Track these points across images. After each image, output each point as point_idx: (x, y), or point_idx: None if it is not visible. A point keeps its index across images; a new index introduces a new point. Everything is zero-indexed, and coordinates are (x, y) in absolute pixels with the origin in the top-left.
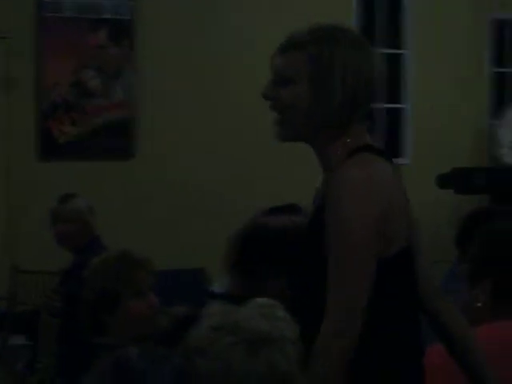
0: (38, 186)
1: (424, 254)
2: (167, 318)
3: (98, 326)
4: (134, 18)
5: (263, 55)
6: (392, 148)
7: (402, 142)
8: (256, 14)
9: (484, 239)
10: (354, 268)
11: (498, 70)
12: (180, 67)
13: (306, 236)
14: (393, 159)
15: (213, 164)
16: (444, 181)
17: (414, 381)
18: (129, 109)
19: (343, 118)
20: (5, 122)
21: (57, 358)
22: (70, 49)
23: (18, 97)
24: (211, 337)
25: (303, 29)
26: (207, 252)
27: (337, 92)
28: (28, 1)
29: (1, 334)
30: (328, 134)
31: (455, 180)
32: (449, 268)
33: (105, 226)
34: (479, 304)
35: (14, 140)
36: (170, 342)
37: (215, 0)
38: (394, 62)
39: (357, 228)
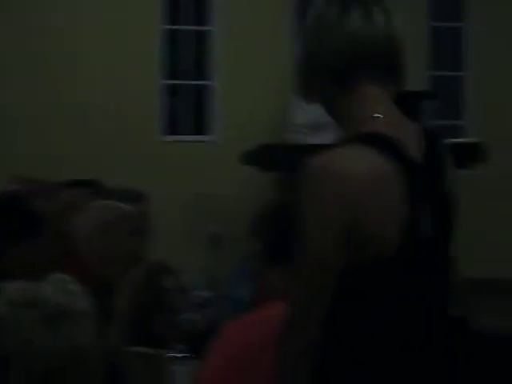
0: None
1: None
2: None
3: None
4: None
5: None
6: (200, 125)
7: (209, 119)
8: None
9: (279, 223)
10: (305, 278)
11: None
12: None
13: None
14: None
15: None
16: (249, 158)
17: None
18: None
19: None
20: None
21: None
22: None
23: None
24: (11, 312)
25: None
26: None
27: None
28: None
29: None
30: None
31: (261, 157)
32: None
33: None
34: (277, 286)
35: None
36: None
37: None
38: (202, 39)
39: (313, 235)
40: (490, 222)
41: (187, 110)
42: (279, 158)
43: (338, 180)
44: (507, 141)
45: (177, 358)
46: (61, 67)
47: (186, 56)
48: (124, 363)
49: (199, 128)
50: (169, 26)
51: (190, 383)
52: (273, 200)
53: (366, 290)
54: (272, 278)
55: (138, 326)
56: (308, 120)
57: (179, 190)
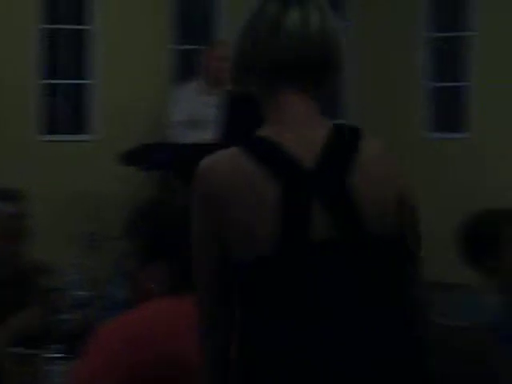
0: None
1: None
2: None
3: None
4: None
5: None
6: (79, 124)
7: (89, 118)
8: None
9: (154, 221)
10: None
11: (182, 48)
12: None
13: None
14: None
15: None
16: (129, 157)
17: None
18: None
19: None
20: None
21: None
22: None
23: None
24: None
25: None
26: None
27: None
28: None
29: None
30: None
31: (140, 156)
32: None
33: None
34: (153, 285)
35: None
36: None
37: None
38: (80, 38)
39: (193, 227)
40: None
41: (66, 109)
42: (155, 157)
43: (204, 183)
44: None
45: (53, 358)
46: None
47: (65, 55)
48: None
49: (79, 127)
50: (47, 26)
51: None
52: (147, 199)
53: (251, 285)
54: (146, 277)
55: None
56: (186, 117)
57: (58, 190)
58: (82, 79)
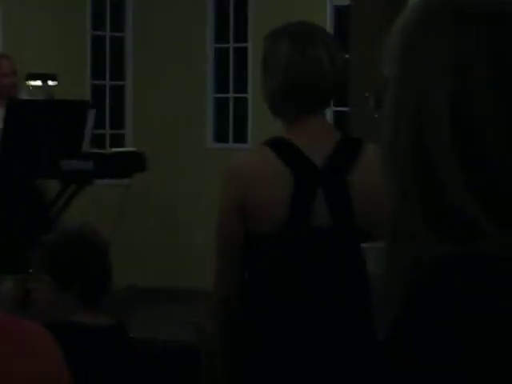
0: None
1: None
2: None
3: None
4: None
5: None
6: None
7: None
8: None
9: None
10: (217, 243)
11: None
12: None
13: None
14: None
15: None
16: None
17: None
18: None
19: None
20: None
21: None
22: None
23: None
24: None
25: None
26: None
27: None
28: None
29: None
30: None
31: None
32: None
33: None
34: None
35: None
36: None
37: None
38: None
39: (219, 210)
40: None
41: None
42: None
43: (237, 168)
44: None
45: None
46: None
47: None
48: None
49: None
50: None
51: None
52: None
53: (261, 255)
54: None
55: None
56: None
57: None
58: None
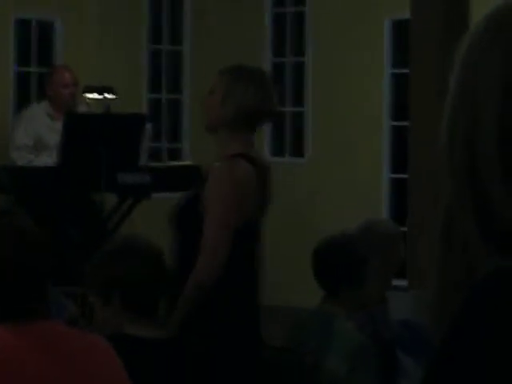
0: None
1: None
2: None
3: None
4: None
5: None
6: None
7: None
8: None
9: None
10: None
11: (21, 70)
12: None
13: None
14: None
15: None
16: None
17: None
18: None
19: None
20: None
21: None
22: None
23: None
24: None
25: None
26: None
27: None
28: None
29: None
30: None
31: None
32: None
33: None
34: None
35: None
36: None
37: None
38: None
39: (225, 207)
40: None
41: None
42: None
43: (235, 181)
44: None
45: None
46: None
47: None
48: None
49: None
50: None
51: None
52: None
53: (239, 240)
54: None
55: None
56: (31, 140)
57: None
58: None
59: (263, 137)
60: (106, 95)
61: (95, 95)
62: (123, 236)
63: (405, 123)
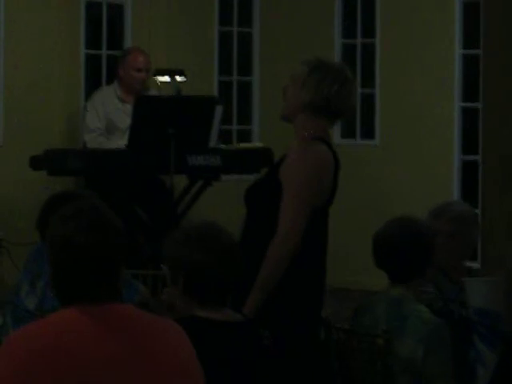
0: None
1: None
2: None
3: None
4: None
5: None
6: None
7: None
8: None
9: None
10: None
11: (91, 52)
12: None
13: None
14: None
15: None
16: (36, 162)
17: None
18: None
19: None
20: None
21: None
22: None
23: None
24: None
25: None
26: None
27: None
28: None
29: None
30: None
31: (48, 162)
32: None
33: None
34: None
35: None
36: None
37: None
38: None
39: (308, 186)
40: None
41: None
42: (68, 163)
43: (318, 160)
44: None
45: None
46: None
47: None
48: None
49: None
50: None
51: None
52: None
53: (313, 220)
54: None
55: None
56: (103, 123)
57: None
58: None
59: None
60: (177, 78)
61: (166, 78)
62: (202, 220)
63: (474, 104)
